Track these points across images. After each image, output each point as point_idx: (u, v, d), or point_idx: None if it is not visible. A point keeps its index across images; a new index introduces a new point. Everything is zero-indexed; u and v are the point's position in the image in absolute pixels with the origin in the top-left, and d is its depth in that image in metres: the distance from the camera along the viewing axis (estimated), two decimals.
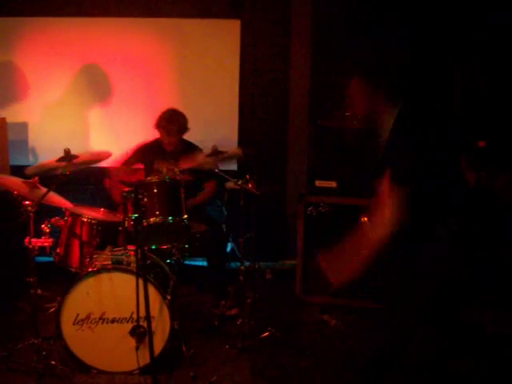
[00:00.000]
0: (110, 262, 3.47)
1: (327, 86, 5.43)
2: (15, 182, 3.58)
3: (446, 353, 3.32)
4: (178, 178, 3.83)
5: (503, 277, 4.56)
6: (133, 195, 3.25)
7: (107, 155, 3.79)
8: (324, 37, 5.40)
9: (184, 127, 4.51)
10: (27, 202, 3.38)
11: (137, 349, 3.29)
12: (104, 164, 4.21)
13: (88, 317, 3.40)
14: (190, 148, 4.60)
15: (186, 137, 4.63)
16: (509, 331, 4.17)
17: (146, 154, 4.58)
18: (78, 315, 3.39)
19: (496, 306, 4.45)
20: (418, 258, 2.95)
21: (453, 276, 2.97)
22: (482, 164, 4.60)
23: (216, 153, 4.01)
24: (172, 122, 4.45)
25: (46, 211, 3.80)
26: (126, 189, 3.38)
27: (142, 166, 4.60)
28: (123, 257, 3.51)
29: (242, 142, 5.61)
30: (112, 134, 5.54)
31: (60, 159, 3.42)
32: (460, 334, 3.99)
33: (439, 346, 3.15)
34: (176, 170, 3.94)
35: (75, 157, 3.45)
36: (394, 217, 2.74)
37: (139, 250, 3.07)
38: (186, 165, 4.11)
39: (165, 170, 4.22)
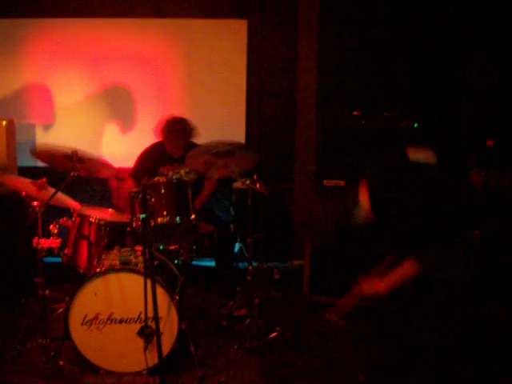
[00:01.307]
0: (117, 263, 3.47)
1: (335, 84, 5.43)
2: (23, 183, 3.59)
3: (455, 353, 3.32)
4: (185, 178, 3.81)
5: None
6: (140, 196, 3.24)
7: (110, 171, 3.82)
8: (332, 35, 5.40)
9: (189, 135, 4.48)
10: (35, 203, 3.39)
11: (145, 349, 3.28)
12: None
13: (96, 317, 3.40)
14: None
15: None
16: None
17: (150, 160, 4.52)
18: (86, 316, 3.39)
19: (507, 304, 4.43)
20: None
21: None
22: (490, 163, 4.58)
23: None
24: (176, 133, 4.42)
25: (54, 212, 3.81)
26: (134, 189, 3.37)
27: None
28: (131, 257, 3.50)
29: (249, 141, 5.61)
30: (120, 135, 5.55)
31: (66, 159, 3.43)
32: (473, 334, 3.99)
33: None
34: (182, 171, 3.92)
35: (81, 160, 3.46)
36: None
37: (147, 251, 3.07)
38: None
39: (170, 174, 4.21)
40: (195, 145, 4.62)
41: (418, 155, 3.00)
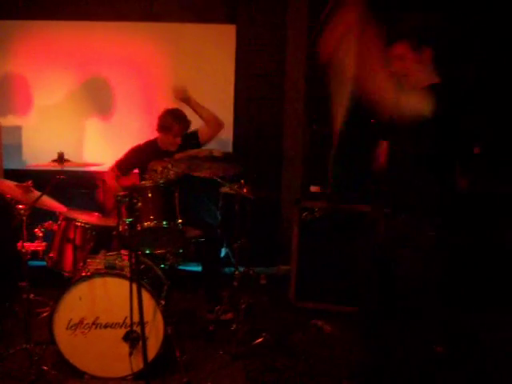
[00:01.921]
0: (103, 267, 3.44)
1: (324, 90, 5.42)
2: (8, 186, 3.56)
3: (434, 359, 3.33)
4: (172, 174, 3.81)
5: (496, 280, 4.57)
6: (127, 199, 3.23)
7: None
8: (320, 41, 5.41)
9: (188, 125, 4.50)
10: (20, 206, 3.36)
11: (130, 354, 3.26)
12: (98, 169, 4.21)
13: (81, 322, 3.37)
14: (187, 138, 4.57)
15: None
16: (502, 336, 4.18)
17: (140, 156, 4.55)
18: (70, 320, 3.36)
19: (489, 311, 4.46)
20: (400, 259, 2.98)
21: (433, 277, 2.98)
22: (475, 170, 4.61)
23: (212, 158, 3.99)
24: (179, 121, 4.44)
25: (40, 215, 3.78)
26: (121, 193, 3.36)
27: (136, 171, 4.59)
28: (117, 261, 3.48)
29: (236, 146, 5.61)
30: (107, 138, 5.53)
31: (53, 161, 3.41)
32: (453, 341, 4.01)
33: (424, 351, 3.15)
34: (169, 165, 3.90)
35: (67, 161, 3.45)
36: None
37: (133, 255, 3.06)
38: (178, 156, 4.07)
39: (160, 169, 4.20)
40: (191, 134, 4.62)
41: None
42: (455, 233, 3.06)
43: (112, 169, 4.57)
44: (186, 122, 4.49)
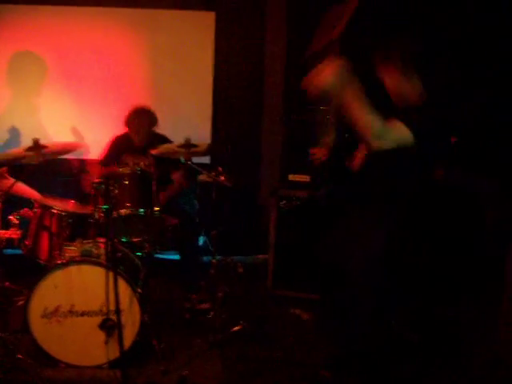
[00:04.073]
0: (79, 255, 3.42)
1: (302, 78, 5.40)
2: None
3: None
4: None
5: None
6: (103, 186, 3.20)
7: (78, 146, 3.75)
8: (299, 29, 5.39)
9: (152, 123, 4.49)
10: None
11: (106, 342, 3.25)
12: (76, 156, 4.17)
13: (56, 310, 3.34)
14: (159, 140, 4.55)
15: (158, 129, 4.59)
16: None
17: (116, 148, 4.54)
18: (46, 308, 3.33)
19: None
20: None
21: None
22: (451, 160, 4.64)
23: (188, 145, 3.96)
24: (140, 119, 4.44)
25: (15, 202, 3.74)
26: (97, 180, 3.34)
27: None
28: (93, 249, 3.46)
29: (215, 134, 5.59)
30: (82, 125, 5.47)
31: (28, 149, 3.36)
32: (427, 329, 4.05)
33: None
34: (141, 163, 3.89)
35: (44, 147, 3.40)
36: None
37: (109, 243, 3.04)
38: (154, 152, 4.05)
39: (131, 164, 4.18)
40: (159, 135, 4.61)
41: None
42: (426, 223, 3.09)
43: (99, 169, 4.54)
44: (143, 119, 4.48)
